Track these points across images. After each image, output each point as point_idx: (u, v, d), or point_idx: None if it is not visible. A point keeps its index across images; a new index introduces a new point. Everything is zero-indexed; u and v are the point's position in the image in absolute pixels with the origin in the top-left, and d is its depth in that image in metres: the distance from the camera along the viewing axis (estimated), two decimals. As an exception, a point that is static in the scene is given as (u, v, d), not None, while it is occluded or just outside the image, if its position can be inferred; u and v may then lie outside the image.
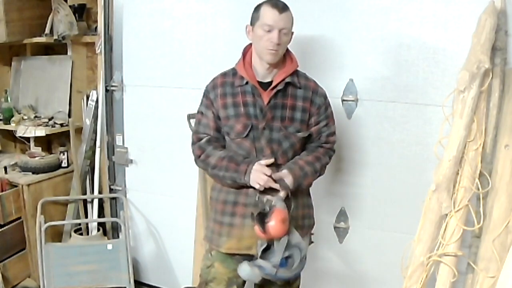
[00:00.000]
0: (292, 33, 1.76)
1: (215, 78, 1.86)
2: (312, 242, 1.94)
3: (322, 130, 1.84)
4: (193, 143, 1.87)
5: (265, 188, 1.69)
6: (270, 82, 1.76)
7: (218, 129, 1.83)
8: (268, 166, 1.73)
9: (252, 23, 1.74)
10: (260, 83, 1.77)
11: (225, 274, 1.87)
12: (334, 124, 1.88)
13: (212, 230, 1.88)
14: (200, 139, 1.84)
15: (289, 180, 1.69)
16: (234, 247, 1.82)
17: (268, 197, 1.68)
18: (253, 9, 1.75)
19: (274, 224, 1.61)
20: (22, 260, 2.79)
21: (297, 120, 1.77)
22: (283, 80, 1.74)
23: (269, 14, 1.68)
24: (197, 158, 1.84)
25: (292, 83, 1.77)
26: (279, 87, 1.74)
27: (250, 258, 1.83)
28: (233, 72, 1.82)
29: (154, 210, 2.85)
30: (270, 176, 1.68)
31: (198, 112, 1.88)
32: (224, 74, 1.84)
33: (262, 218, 1.62)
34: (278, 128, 1.75)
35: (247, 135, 1.75)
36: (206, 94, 1.85)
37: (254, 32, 1.73)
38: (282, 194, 1.67)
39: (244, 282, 1.92)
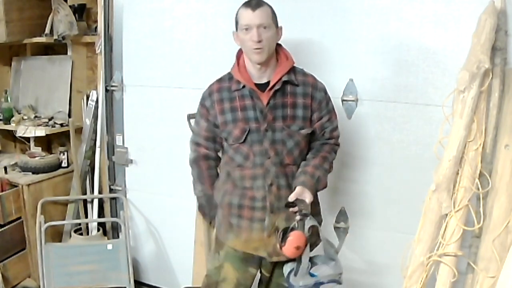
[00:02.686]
0: (281, 28, 1.75)
1: (211, 84, 1.85)
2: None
3: (325, 125, 1.83)
4: (190, 148, 1.94)
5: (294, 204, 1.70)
6: (267, 83, 1.75)
7: (208, 138, 1.86)
8: (275, 167, 1.74)
9: (236, 28, 1.75)
10: (257, 85, 1.76)
11: (235, 276, 1.87)
12: (336, 119, 1.88)
13: (220, 223, 1.89)
14: (193, 150, 1.92)
15: (307, 195, 1.70)
16: (240, 246, 1.83)
17: (297, 218, 1.67)
18: None
19: (287, 247, 1.63)
20: (22, 260, 2.79)
21: (299, 118, 1.77)
22: (280, 79, 1.73)
23: (243, 15, 1.70)
24: (191, 166, 1.96)
25: (290, 81, 1.76)
26: (277, 87, 1.73)
27: (259, 258, 1.84)
28: (229, 76, 1.81)
29: (154, 210, 2.85)
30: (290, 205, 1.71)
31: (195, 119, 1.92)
32: (220, 80, 1.84)
33: (284, 234, 1.65)
34: (281, 128, 1.75)
35: (245, 140, 1.75)
36: (201, 102, 1.86)
37: (238, 37, 1.74)
38: (298, 217, 1.65)
39: (251, 282, 1.92)
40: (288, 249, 1.62)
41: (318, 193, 1.91)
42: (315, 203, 1.86)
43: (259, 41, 1.66)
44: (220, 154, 1.93)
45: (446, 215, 1.80)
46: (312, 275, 1.67)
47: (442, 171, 1.78)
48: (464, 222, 1.79)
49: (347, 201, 2.32)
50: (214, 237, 2.06)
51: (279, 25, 1.76)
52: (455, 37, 1.97)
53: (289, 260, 1.70)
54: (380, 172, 2.22)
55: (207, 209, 1.95)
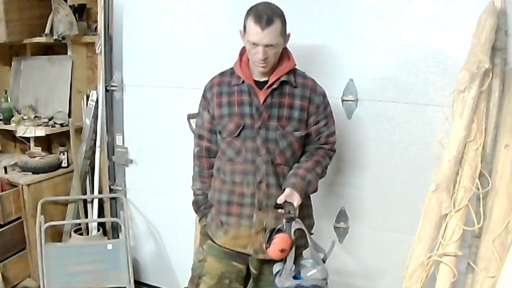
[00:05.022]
0: (289, 34, 1.74)
1: (213, 77, 1.87)
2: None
3: (321, 130, 1.82)
4: (194, 143, 1.95)
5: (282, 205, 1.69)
6: (267, 81, 1.76)
7: (211, 130, 1.86)
8: (266, 165, 1.74)
9: (244, 30, 1.71)
10: (257, 82, 1.76)
11: (218, 269, 1.87)
12: (333, 124, 1.86)
13: (211, 220, 1.90)
14: (196, 144, 1.92)
15: (295, 198, 1.68)
16: (229, 244, 1.83)
17: (284, 220, 1.66)
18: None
19: (272, 249, 1.64)
20: (22, 260, 2.79)
21: (294, 119, 1.76)
22: (278, 79, 1.73)
23: (253, 31, 1.63)
24: (193, 161, 1.97)
25: (288, 82, 1.76)
26: (274, 86, 1.73)
27: (245, 256, 1.84)
28: (231, 71, 1.82)
29: (154, 210, 2.85)
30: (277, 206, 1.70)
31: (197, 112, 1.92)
32: (222, 74, 1.85)
33: (270, 235, 1.65)
34: (275, 127, 1.74)
35: (238, 134, 1.76)
36: (203, 94, 1.87)
37: (244, 41, 1.72)
38: (285, 220, 1.63)
39: (236, 276, 1.90)
40: (273, 251, 1.63)
41: (316, 194, 1.91)
42: (306, 205, 1.86)
43: (264, 59, 1.66)
44: None
45: (446, 215, 1.80)
46: (297, 277, 1.68)
47: (442, 171, 1.79)
48: (464, 222, 1.79)
49: (347, 201, 2.32)
50: (198, 231, 2.04)
51: (287, 32, 1.73)
52: (455, 37, 1.97)
53: (279, 260, 1.70)
54: (380, 172, 2.22)
55: (202, 207, 1.96)
